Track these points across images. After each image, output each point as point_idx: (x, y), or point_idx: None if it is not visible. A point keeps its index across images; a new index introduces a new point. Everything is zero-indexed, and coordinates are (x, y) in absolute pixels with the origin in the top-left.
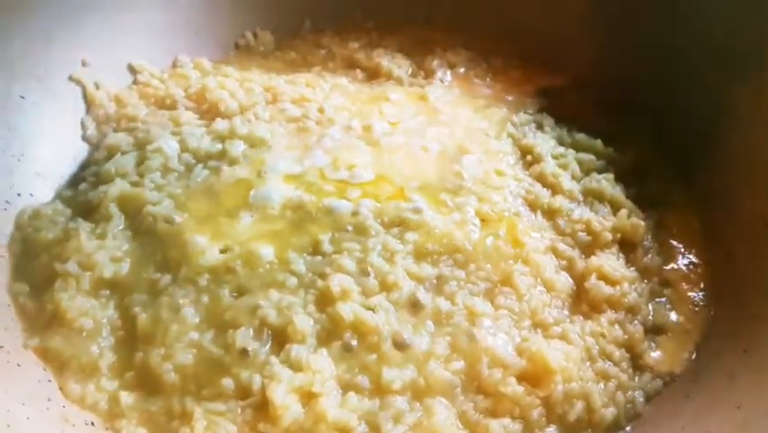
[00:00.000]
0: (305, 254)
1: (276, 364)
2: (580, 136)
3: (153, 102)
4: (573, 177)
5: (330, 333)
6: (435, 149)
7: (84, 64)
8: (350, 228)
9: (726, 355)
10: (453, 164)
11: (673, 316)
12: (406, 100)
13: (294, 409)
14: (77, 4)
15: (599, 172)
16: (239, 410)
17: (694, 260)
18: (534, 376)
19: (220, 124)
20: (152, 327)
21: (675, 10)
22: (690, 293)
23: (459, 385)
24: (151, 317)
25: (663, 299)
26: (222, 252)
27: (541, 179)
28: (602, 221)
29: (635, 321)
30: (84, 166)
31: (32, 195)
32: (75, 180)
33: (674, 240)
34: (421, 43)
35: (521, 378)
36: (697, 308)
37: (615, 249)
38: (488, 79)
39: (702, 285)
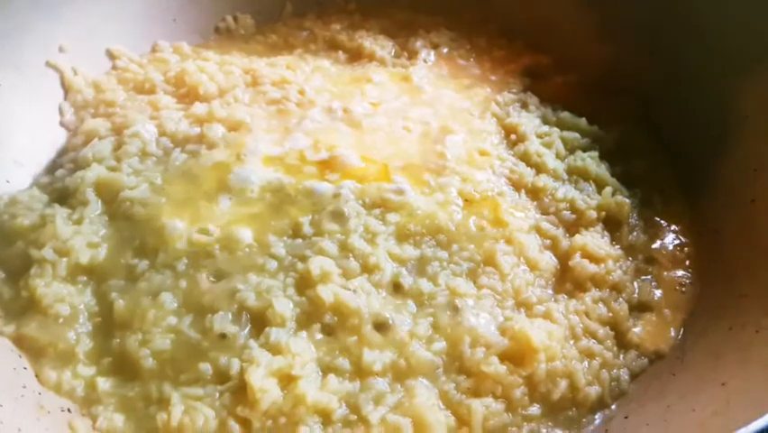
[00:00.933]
0: (284, 237)
1: (255, 348)
2: (565, 115)
3: (132, 87)
4: (558, 155)
5: (310, 316)
6: (418, 129)
7: (61, 50)
8: (330, 210)
9: (712, 333)
10: (436, 144)
11: (659, 294)
12: (389, 81)
13: (273, 392)
14: None
15: (584, 151)
16: (217, 395)
17: (680, 238)
18: (517, 355)
19: (198, 108)
20: (129, 313)
21: None
22: (675, 271)
23: (440, 366)
24: (129, 302)
25: (649, 277)
26: (199, 234)
27: (525, 158)
28: (587, 199)
29: (620, 299)
30: (61, 152)
31: (8, 182)
32: (52, 167)
33: (660, 218)
34: (404, 25)
35: (504, 357)
36: (683, 287)
37: (599, 227)
38: (471, 59)
39: (688, 263)
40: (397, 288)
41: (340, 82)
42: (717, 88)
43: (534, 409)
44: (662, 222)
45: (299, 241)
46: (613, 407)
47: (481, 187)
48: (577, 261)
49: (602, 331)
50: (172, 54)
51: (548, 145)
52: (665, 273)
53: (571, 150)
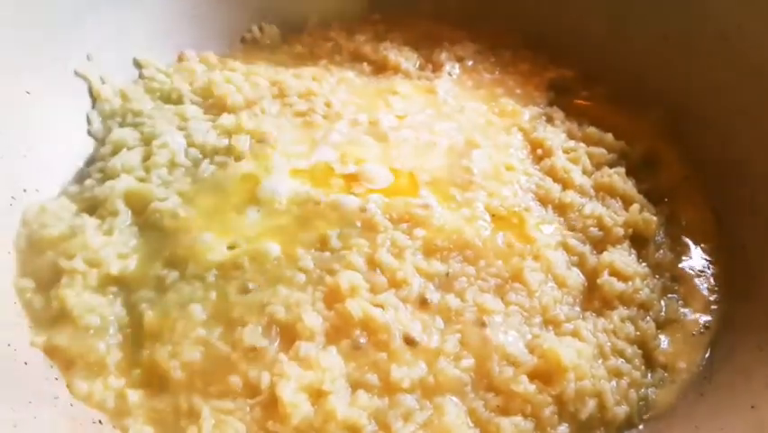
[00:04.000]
0: (312, 250)
1: (285, 362)
2: (591, 129)
3: (159, 96)
4: (584, 171)
5: (339, 330)
6: (444, 143)
7: (89, 59)
8: (358, 224)
9: (741, 353)
10: (462, 159)
11: (685, 312)
12: (414, 93)
13: (303, 407)
14: None
15: (611, 166)
16: (247, 409)
17: (707, 255)
18: (546, 374)
19: (226, 119)
20: (159, 324)
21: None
22: (703, 289)
23: (469, 383)
24: (158, 313)
25: (675, 295)
26: (229, 248)
27: (551, 173)
28: (614, 216)
29: (648, 317)
30: (90, 161)
31: (37, 191)
32: (81, 176)
33: (687, 235)
34: (428, 37)
35: (533, 376)
36: (710, 305)
37: (626, 244)
38: (496, 72)
39: (715, 281)
40: (424, 303)
41: (365, 94)
42: (746, 103)
43: (563, 429)
44: (689, 239)
45: (327, 254)
46: (641, 427)
47: (508, 202)
48: (605, 278)
49: (630, 350)
50: (198, 64)
51: (574, 161)
52: (692, 291)
53: (597, 165)
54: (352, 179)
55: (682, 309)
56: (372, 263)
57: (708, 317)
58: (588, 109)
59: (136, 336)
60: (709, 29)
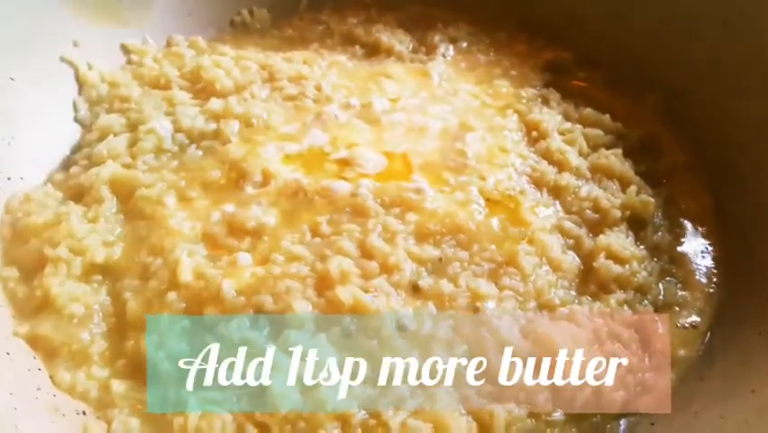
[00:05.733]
0: (302, 236)
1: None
2: (588, 111)
3: (147, 82)
4: (580, 153)
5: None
6: (437, 126)
7: (76, 44)
8: (348, 209)
9: (741, 338)
10: (456, 142)
11: (684, 296)
12: (407, 76)
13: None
14: None
15: (608, 148)
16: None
17: (706, 238)
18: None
19: (215, 104)
20: (142, 314)
21: None
22: (701, 272)
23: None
24: (142, 302)
25: (674, 279)
26: None
27: (547, 155)
28: (610, 198)
29: (645, 301)
30: (76, 149)
31: (22, 178)
32: (66, 163)
33: (685, 217)
34: (421, 19)
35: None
36: (709, 289)
37: (624, 227)
38: (491, 54)
39: (715, 264)
40: (416, 289)
41: (357, 78)
42: (746, 88)
43: (558, 415)
44: (688, 222)
45: (318, 240)
46: (638, 413)
47: (502, 185)
48: (601, 261)
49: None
50: (188, 48)
51: (571, 142)
52: (691, 275)
53: (594, 147)
54: (344, 163)
55: (681, 293)
56: (364, 249)
57: (708, 301)
58: (585, 91)
59: (120, 325)
60: (710, 13)
